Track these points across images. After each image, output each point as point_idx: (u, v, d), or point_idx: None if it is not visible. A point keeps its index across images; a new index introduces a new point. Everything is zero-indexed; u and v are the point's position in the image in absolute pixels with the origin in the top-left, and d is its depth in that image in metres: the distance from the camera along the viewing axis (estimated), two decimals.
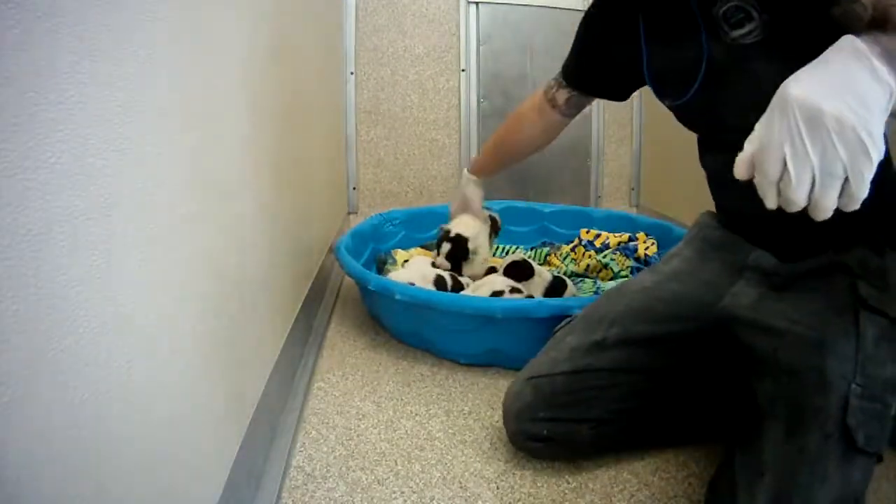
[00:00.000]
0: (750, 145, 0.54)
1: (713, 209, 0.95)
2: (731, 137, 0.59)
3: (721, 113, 0.80)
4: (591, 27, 1.01)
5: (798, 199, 0.51)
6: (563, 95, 1.10)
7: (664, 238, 1.66)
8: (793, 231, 0.77)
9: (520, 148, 1.25)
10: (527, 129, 1.20)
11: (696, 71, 0.79)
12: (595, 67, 1.03)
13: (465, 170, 1.41)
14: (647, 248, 1.63)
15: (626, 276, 1.53)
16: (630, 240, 1.68)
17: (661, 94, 0.89)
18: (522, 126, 1.20)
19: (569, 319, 0.94)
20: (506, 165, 1.36)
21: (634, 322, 0.87)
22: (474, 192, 1.40)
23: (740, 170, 0.55)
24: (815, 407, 0.65)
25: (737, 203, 0.86)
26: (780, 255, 0.80)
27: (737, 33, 0.74)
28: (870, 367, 0.66)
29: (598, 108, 2.47)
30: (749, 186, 0.55)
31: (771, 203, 0.53)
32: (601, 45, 0.99)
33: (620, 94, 1.05)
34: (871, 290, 0.70)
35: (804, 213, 0.52)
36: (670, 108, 0.89)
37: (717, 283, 0.85)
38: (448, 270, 1.40)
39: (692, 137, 0.91)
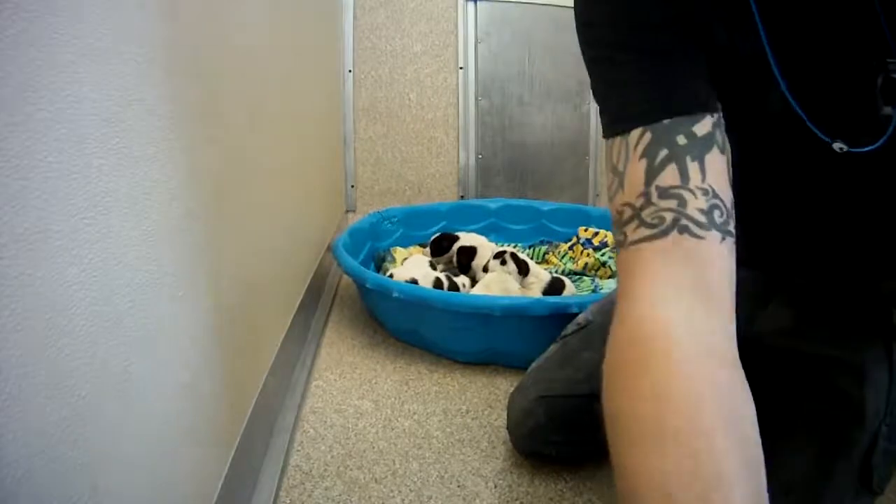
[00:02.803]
0: None
1: None
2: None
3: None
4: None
5: None
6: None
7: None
8: (829, 260, 0.73)
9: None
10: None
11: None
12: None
13: None
14: None
15: None
16: None
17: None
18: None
19: (578, 323, 0.89)
20: None
21: None
22: None
23: None
24: (848, 438, 0.65)
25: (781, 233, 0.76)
26: (814, 280, 0.75)
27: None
28: None
29: (597, 107, 2.46)
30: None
31: None
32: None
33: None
34: None
35: (844, 241, 0.48)
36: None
37: (746, 301, 0.80)
38: (446, 272, 1.41)
39: None
